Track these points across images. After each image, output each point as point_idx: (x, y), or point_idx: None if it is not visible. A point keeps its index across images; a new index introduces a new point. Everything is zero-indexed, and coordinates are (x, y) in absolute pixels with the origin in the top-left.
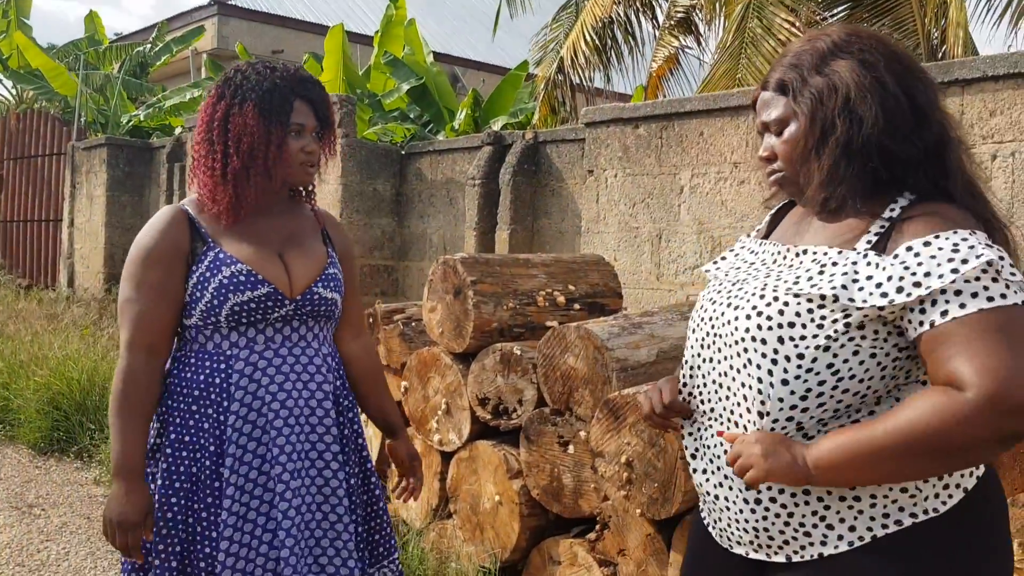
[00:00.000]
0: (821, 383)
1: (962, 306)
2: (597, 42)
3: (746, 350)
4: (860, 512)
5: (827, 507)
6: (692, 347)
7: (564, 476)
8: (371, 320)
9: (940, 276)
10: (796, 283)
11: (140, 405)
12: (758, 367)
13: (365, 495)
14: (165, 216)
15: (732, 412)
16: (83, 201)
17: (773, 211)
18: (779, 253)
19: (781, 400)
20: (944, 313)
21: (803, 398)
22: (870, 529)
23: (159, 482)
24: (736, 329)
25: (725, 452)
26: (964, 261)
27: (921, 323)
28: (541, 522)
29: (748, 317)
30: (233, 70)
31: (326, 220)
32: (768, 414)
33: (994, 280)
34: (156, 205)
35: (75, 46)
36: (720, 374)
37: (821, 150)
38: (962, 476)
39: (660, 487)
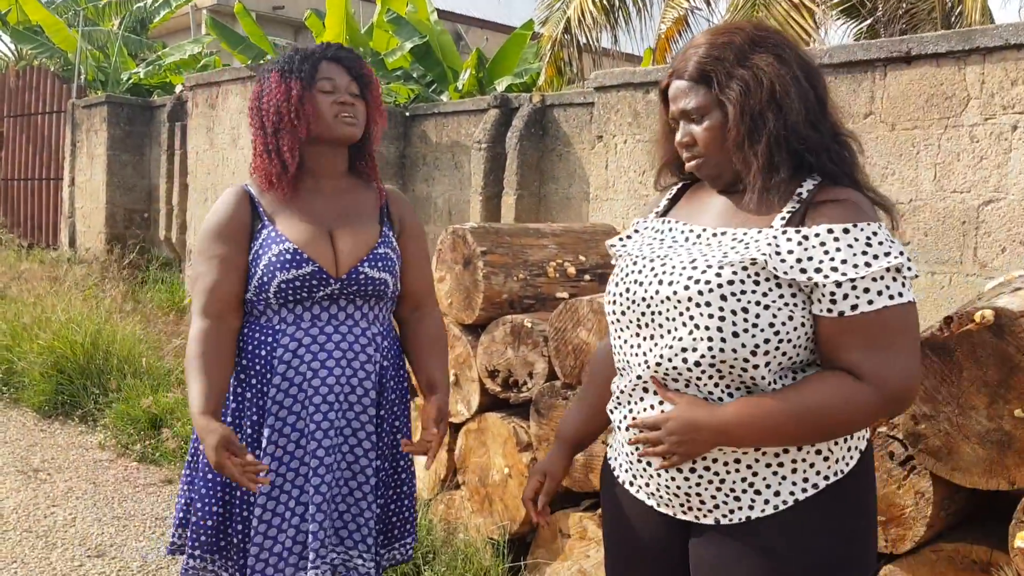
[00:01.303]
0: (767, 340)
1: (870, 302)
2: (605, 2)
3: (692, 317)
4: (783, 478)
5: (755, 473)
6: (623, 326)
7: None
8: None
9: (855, 267)
10: (725, 255)
11: (210, 362)
12: (706, 328)
13: (393, 478)
14: (229, 195)
15: (677, 380)
16: (84, 160)
17: (673, 192)
18: (692, 232)
19: (735, 351)
20: (854, 307)
21: (753, 352)
22: (792, 493)
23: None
24: (679, 301)
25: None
26: (875, 257)
27: (830, 310)
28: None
29: (686, 287)
30: (269, 61)
31: (389, 197)
32: (722, 368)
33: (894, 279)
34: (157, 165)
35: (74, 1)
36: (665, 347)
37: (754, 140)
38: (858, 439)
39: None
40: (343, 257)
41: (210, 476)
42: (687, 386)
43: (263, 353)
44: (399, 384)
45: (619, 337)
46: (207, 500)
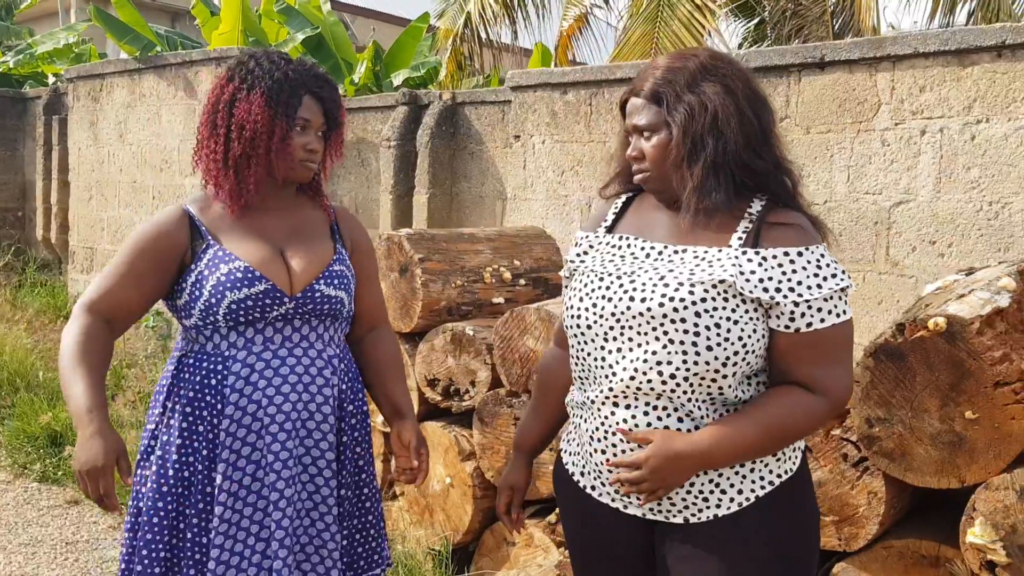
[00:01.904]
0: (736, 352)
1: (822, 320)
2: None
3: (666, 332)
4: (744, 477)
5: (720, 475)
6: (587, 339)
7: None
8: None
9: (808, 288)
10: (693, 274)
11: (94, 359)
12: (681, 343)
13: (358, 507)
14: (168, 215)
15: (649, 393)
16: None
17: (618, 205)
18: (653, 248)
19: (708, 364)
20: (809, 324)
21: (724, 364)
22: (753, 491)
23: (149, 484)
24: (652, 317)
25: (630, 430)
26: (825, 279)
27: (788, 326)
28: (494, 503)
29: (661, 305)
30: (247, 55)
31: (338, 215)
32: (695, 375)
33: (840, 299)
34: (32, 160)
35: None
36: (639, 360)
37: (692, 161)
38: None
39: None
40: (297, 275)
41: (155, 520)
42: (659, 398)
43: (213, 383)
44: (359, 408)
45: (582, 350)
46: (153, 547)
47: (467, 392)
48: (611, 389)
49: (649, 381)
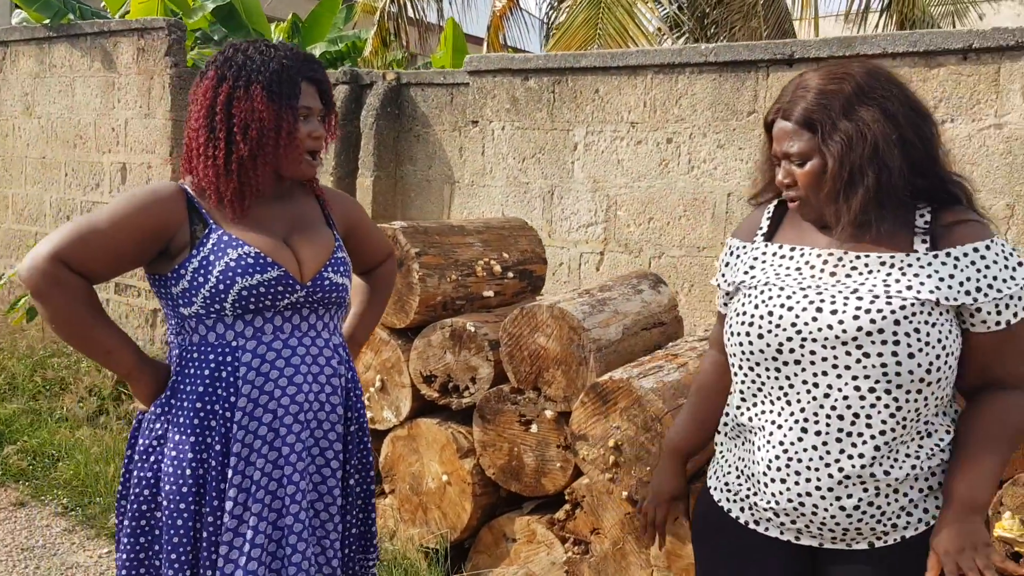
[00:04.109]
0: (938, 356)
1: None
2: None
3: (860, 346)
4: (927, 497)
5: (910, 500)
6: (767, 355)
7: (525, 455)
8: None
9: (1005, 281)
10: (887, 282)
11: (98, 307)
12: (879, 355)
13: (361, 495)
14: (163, 186)
15: (836, 406)
16: None
17: (770, 212)
18: (831, 256)
19: (911, 372)
20: (1016, 315)
21: (928, 371)
22: (937, 506)
23: (169, 486)
24: (844, 330)
25: (829, 464)
26: (1015, 269)
27: (998, 323)
28: (492, 500)
29: (855, 317)
30: (232, 49)
31: (328, 200)
32: (899, 387)
33: None
34: None
35: None
36: (815, 374)
37: (850, 194)
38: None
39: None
40: (307, 263)
41: (179, 522)
42: (855, 420)
43: (223, 374)
44: (360, 397)
45: (755, 368)
46: (181, 549)
47: (467, 389)
48: (802, 411)
49: (846, 398)
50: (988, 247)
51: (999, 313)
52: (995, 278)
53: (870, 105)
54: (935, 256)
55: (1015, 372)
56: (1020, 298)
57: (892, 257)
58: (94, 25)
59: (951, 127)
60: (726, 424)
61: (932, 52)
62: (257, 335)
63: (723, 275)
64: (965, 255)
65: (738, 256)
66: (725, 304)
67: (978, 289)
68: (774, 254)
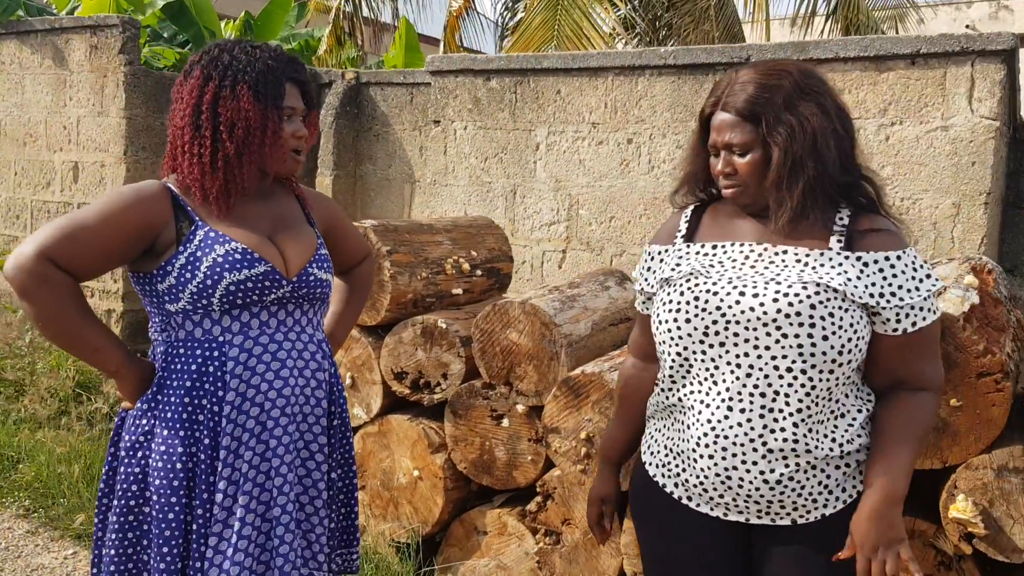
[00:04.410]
0: (849, 339)
1: (924, 320)
2: None
3: (779, 327)
4: (847, 476)
5: (828, 476)
6: (694, 339)
7: (497, 449)
8: None
9: (909, 291)
10: (803, 273)
11: (85, 306)
12: (796, 336)
13: (344, 489)
14: (148, 185)
15: (758, 384)
16: None
17: (687, 216)
18: (752, 251)
19: (824, 353)
20: (913, 324)
21: (840, 352)
22: (855, 487)
23: (158, 481)
24: (766, 311)
25: (761, 448)
26: (922, 280)
27: (895, 329)
28: (463, 494)
29: (775, 300)
30: (216, 49)
31: (308, 199)
32: (813, 367)
33: (935, 298)
34: None
35: None
36: (738, 355)
37: (792, 183)
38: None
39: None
40: (291, 259)
41: (171, 516)
42: (776, 398)
43: (211, 369)
44: (341, 391)
45: (682, 352)
46: (172, 542)
47: (439, 385)
48: (727, 390)
49: (767, 376)
50: (899, 257)
51: (898, 321)
52: (900, 287)
53: (808, 100)
54: (846, 257)
55: (918, 374)
56: (921, 308)
57: (808, 255)
58: (45, 22)
59: (900, 129)
60: (654, 406)
61: (882, 56)
62: (244, 330)
63: (645, 279)
64: (875, 262)
65: (661, 259)
66: (646, 305)
67: (882, 295)
68: (697, 252)
